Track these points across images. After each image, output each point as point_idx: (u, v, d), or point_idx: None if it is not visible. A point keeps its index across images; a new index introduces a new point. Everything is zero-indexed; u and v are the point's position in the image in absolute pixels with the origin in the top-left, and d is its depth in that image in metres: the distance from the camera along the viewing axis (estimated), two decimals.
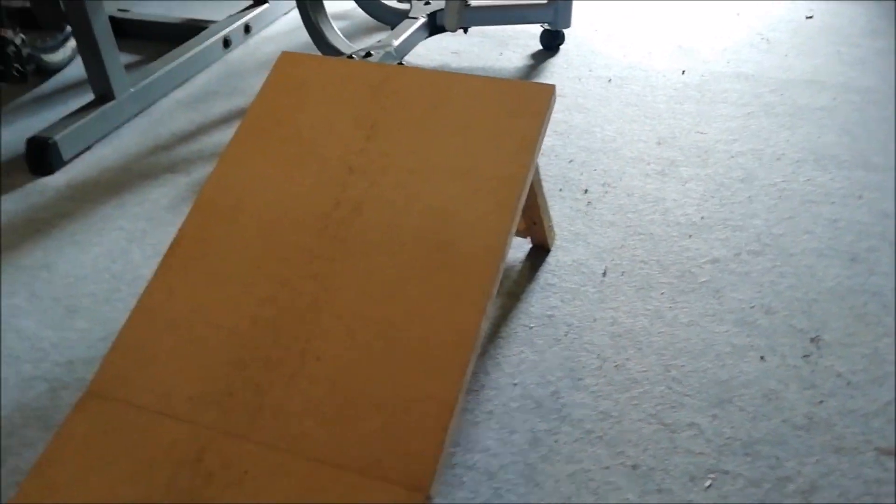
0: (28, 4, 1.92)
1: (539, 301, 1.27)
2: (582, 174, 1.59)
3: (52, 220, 1.49)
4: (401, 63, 1.84)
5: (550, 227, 1.34)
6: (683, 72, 1.99)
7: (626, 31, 2.24)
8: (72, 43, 2.08)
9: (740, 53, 2.09)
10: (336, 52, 1.87)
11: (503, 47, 2.16)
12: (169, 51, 2.01)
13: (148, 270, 1.35)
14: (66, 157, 1.65)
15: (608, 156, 1.65)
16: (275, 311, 0.87)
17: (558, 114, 1.82)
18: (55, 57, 2.03)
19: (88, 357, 1.18)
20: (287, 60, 1.09)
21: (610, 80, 1.96)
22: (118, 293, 1.30)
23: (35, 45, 1.93)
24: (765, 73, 1.98)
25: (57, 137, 1.63)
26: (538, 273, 1.33)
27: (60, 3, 1.90)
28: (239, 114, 1.86)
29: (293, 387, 0.82)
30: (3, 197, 1.57)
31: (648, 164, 1.62)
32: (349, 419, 0.79)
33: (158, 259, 1.37)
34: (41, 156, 1.62)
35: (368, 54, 1.75)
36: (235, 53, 2.17)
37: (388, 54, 1.79)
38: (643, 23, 2.29)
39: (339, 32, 1.91)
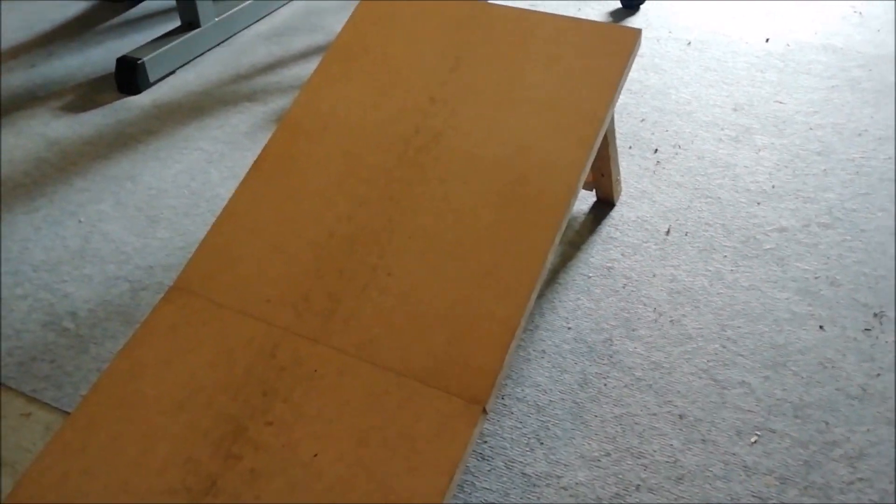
0: None
1: (599, 253, 1.28)
2: (653, 134, 1.57)
3: (138, 135, 1.57)
4: None
5: (618, 181, 1.34)
6: (767, 39, 1.93)
7: None
8: None
9: (830, 25, 2.01)
10: None
11: (581, 2, 2.13)
12: None
13: (224, 190, 1.41)
14: (152, 78, 1.73)
15: (681, 118, 1.62)
16: (352, 227, 0.91)
17: (633, 73, 1.79)
18: None
19: (168, 263, 1.25)
20: None
21: (689, 43, 1.92)
22: (197, 208, 1.37)
23: None
24: (854, 46, 1.90)
25: (145, 59, 1.70)
26: (601, 226, 1.34)
27: None
28: (318, 50, 1.89)
29: (365, 298, 0.86)
30: (94, 112, 1.65)
31: (722, 129, 1.59)
32: (416, 331, 0.83)
33: (235, 180, 1.44)
34: (130, 75, 1.69)
35: None
36: None
37: None
38: None
39: None
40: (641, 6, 2.10)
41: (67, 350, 1.10)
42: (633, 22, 2.03)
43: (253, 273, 0.90)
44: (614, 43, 0.98)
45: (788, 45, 1.91)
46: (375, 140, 0.97)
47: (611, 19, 2.05)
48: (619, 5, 2.11)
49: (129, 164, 1.48)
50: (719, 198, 1.40)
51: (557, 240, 0.87)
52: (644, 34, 1.97)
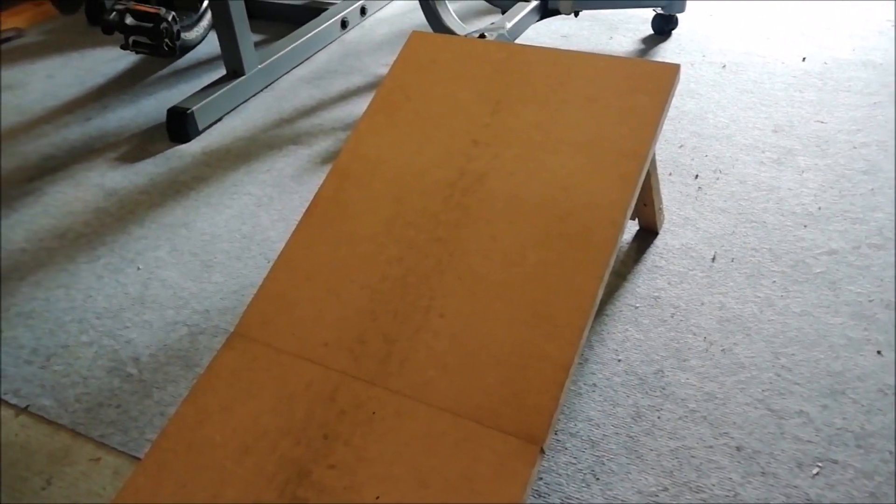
0: None
1: (645, 282, 1.28)
2: (693, 159, 1.57)
3: (190, 183, 1.63)
4: None
5: (660, 209, 1.34)
6: (804, 59, 1.92)
7: (743, 16, 2.17)
8: (204, 22, 2.24)
9: (867, 40, 1.99)
10: (450, 33, 1.93)
11: (613, 31, 2.15)
12: (291, 31, 2.13)
13: (275, 233, 1.46)
14: (201, 126, 1.80)
15: (720, 142, 1.62)
16: (403, 270, 0.94)
17: None
18: (190, 35, 2.19)
19: (223, 307, 1.29)
20: (417, 39, 1.15)
21: (724, 66, 1.92)
22: (248, 252, 1.42)
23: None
24: (894, 61, 1.88)
25: (194, 108, 1.77)
26: (645, 255, 1.34)
27: None
28: (356, 91, 1.95)
29: (418, 339, 0.88)
30: (147, 161, 1.73)
31: (763, 151, 1.58)
32: (470, 371, 0.84)
33: (284, 223, 1.48)
34: (180, 125, 1.77)
35: (482, 36, 1.79)
36: (352, 34, 2.27)
37: (500, 36, 1.83)
38: (761, 8, 2.21)
39: (454, 14, 1.96)
40: (673, 32, 2.11)
41: (132, 395, 1.15)
42: (666, 47, 2.04)
43: (309, 318, 0.93)
44: (653, 80, 0.99)
45: (826, 63, 1.90)
46: (421, 184, 1.00)
47: (643, 46, 2.06)
48: (651, 31, 2.12)
49: (183, 211, 1.54)
50: (764, 222, 1.39)
51: (606, 277, 0.88)
52: (677, 59, 1.98)
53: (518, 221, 0.94)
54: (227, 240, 1.45)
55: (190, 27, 2.18)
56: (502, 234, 0.94)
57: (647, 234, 1.38)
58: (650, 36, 2.11)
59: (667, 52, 2.02)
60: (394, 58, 1.17)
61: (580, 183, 0.95)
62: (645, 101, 0.99)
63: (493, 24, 1.89)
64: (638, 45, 2.07)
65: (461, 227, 0.96)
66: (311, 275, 0.96)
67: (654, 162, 1.21)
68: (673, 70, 1.02)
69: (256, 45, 2.23)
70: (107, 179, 1.67)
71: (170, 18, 1.59)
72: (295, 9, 2.34)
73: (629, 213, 0.93)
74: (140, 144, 1.79)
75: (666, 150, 1.61)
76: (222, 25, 1.83)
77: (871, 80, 1.81)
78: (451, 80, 1.10)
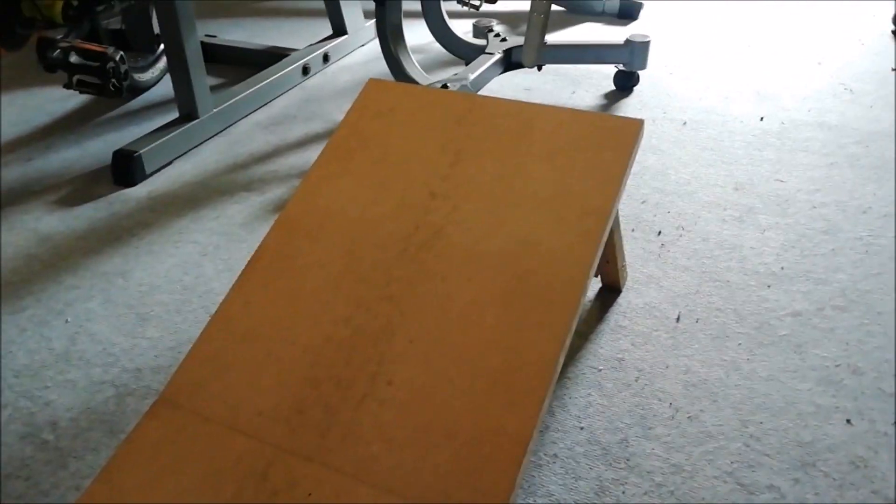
0: (122, 26, 2.02)
1: (609, 343, 1.23)
2: (655, 216, 1.55)
3: (132, 229, 1.54)
4: None
5: (623, 267, 1.30)
6: (762, 118, 1.94)
7: (702, 75, 2.21)
8: (160, 64, 2.18)
9: (822, 102, 2.03)
10: (413, 83, 1.90)
11: (576, 86, 2.16)
12: (251, 75, 2.08)
13: (219, 284, 1.37)
14: (148, 170, 1.71)
15: (683, 199, 1.61)
16: (349, 331, 0.86)
17: None
18: (144, 76, 2.12)
19: (156, 365, 1.19)
20: (374, 86, 1.10)
21: (685, 123, 1.93)
22: (189, 304, 1.32)
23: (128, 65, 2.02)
24: (848, 123, 1.91)
25: (141, 151, 1.69)
26: (608, 314, 1.29)
27: (153, 26, 2.01)
28: (315, 138, 1.90)
29: (363, 409, 0.80)
30: (88, 205, 1.63)
31: (725, 209, 1.57)
32: (419, 447, 0.77)
33: (229, 274, 1.40)
34: (125, 168, 1.68)
35: (445, 86, 1.77)
36: (313, 80, 2.23)
37: (463, 87, 1.81)
38: (720, 68, 2.25)
39: (416, 64, 1.94)
40: (635, 88, 2.12)
41: (45, 465, 1.03)
42: (628, 103, 2.05)
43: (244, 383, 0.85)
44: (617, 135, 0.96)
45: (783, 123, 1.92)
46: (375, 237, 0.94)
47: (605, 101, 2.07)
48: (613, 87, 2.13)
49: (122, 259, 1.44)
50: (728, 281, 1.36)
51: (568, 341, 0.82)
52: (639, 115, 1.98)
53: (476, 279, 0.88)
54: (166, 291, 1.36)
55: (144, 68, 2.12)
56: (459, 292, 0.88)
57: (610, 291, 1.34)
58: (612, 91, 2.12)
59: (629, 108, 2.03)
60: None
61: (542, 239, 0.90)
62: (609, 156, 0.95)
63: (456, 74, 1.87)
64: (600, 101, 2.07)
65: (415, 285, 0.89)
66: (248, 335, 0.88)
67: (617, 218, 1.17)
68: (636, 125, 0.99)
69: (215, 88, 2.17)
70: (42, 224, 1.57)
71: (117, 58, 1.52)
72: (256, 53, 2.30)
73: (592, 272, 0.88)
74: (82, 187, 1.70)
75: (629, 205, 1.58)
76: (176, 67, 1.77)
77: (827, 141, 1.83)
78: (409, 129, 1.05)
